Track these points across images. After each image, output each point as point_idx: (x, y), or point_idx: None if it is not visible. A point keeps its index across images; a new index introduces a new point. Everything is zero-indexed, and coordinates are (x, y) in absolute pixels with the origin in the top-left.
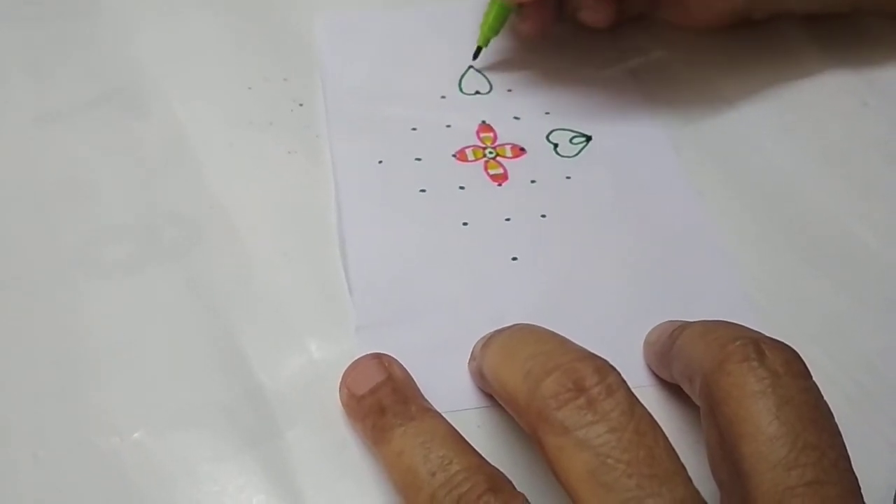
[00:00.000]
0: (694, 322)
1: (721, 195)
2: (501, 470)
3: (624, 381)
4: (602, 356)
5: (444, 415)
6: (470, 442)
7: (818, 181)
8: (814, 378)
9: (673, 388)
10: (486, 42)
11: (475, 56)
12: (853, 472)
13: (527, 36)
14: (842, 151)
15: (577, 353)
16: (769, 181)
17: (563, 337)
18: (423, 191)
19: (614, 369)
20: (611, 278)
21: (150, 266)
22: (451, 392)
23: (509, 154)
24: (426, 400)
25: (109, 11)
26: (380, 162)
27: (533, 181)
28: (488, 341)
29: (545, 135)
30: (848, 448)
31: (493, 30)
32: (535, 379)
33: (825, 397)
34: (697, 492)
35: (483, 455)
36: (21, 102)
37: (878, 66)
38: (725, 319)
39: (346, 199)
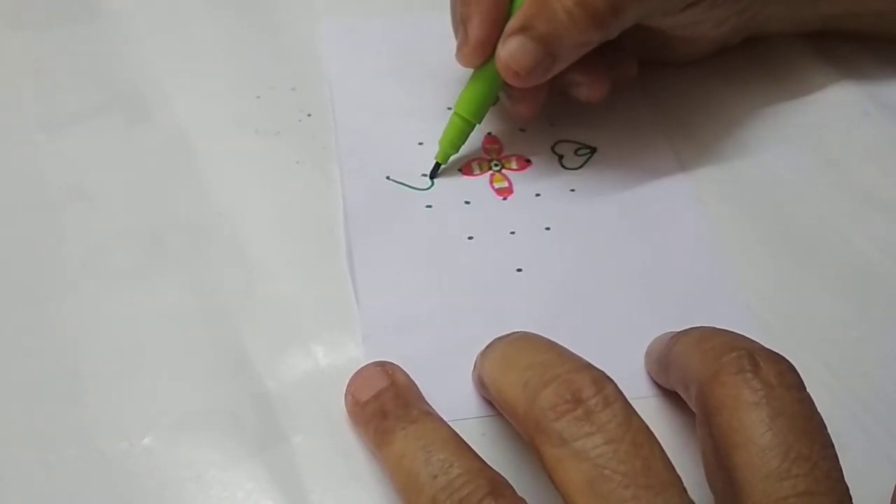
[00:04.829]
0: (691, 329)
1: (723, 205)
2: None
3: (621, 393)
4: (604, 367)
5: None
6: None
7: (820, 191)
8: (812, 390)
9: (673, 399)
10: (446, 159)
11: (433, 174)
12: (845, 483)
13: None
14: (843, 161)
15: (574, 363)
16: (771, 192)
17: (560, 346)
18: (429, 206)
19: (611, 380)
20: (614, 290)
21: (156, 273)
22: (455, 401)
23: (515, 166)
24: (428, 404)
25: (116, 18)
26: (387, 177)
27: (538, 195)
28: (487, 349)
29: (550, 146)
30: (846, 461)
31: (453, 146)
32: (533, 390)
33: (824, 410)
34: (693, 502)
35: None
36: (27, 109)
37: (879, 76)
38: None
39: (354, 212)
